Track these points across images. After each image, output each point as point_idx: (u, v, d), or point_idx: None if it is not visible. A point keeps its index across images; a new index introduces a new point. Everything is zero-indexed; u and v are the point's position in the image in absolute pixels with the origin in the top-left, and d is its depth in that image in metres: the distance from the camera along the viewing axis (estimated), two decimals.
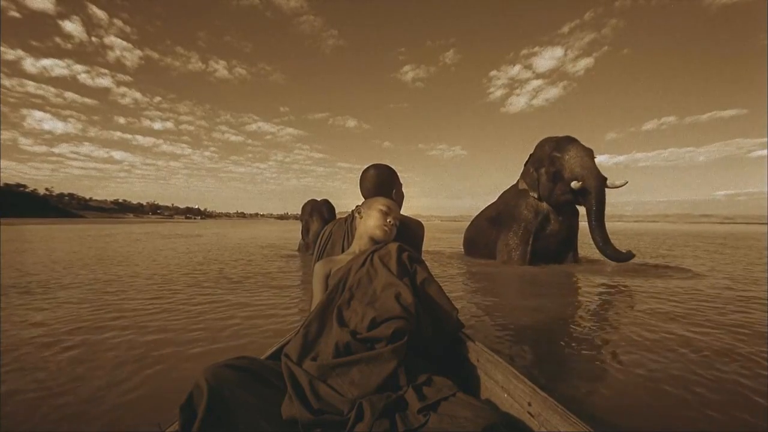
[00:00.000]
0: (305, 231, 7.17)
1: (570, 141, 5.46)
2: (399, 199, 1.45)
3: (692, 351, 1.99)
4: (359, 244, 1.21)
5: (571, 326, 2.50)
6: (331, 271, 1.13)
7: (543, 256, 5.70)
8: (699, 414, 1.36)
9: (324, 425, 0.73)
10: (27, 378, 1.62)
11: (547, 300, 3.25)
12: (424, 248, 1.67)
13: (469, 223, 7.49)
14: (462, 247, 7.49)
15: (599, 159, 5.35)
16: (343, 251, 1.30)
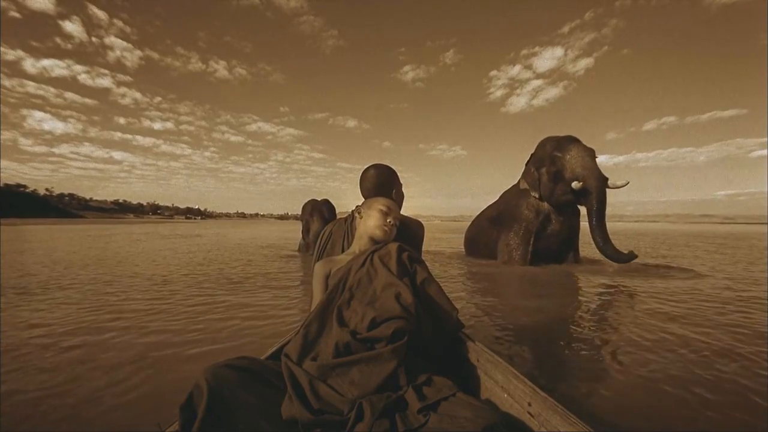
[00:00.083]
0: (305, 231, 7.17)
1: (571, 141, 5.44)
2: (399, 199, 1.45)
3: (692, 351, 1.99)
4: (359, 244, 1.21)
5: (572, 326, 2.50)
6: (331, 271, 1.13)
7: (544, 256, 5.69)
8: (699, 414, 1.36)
9: (324, 425, 0.73)
10: (26, 378, 1.62)
11: (548, 300, 3.25)
12: (424, 248, 1.67)
13: (469, 223, 7.48)
14: (463, 246, 7.48)
15: (599, 159, 5.34)
16: (343, 251, 1.30)
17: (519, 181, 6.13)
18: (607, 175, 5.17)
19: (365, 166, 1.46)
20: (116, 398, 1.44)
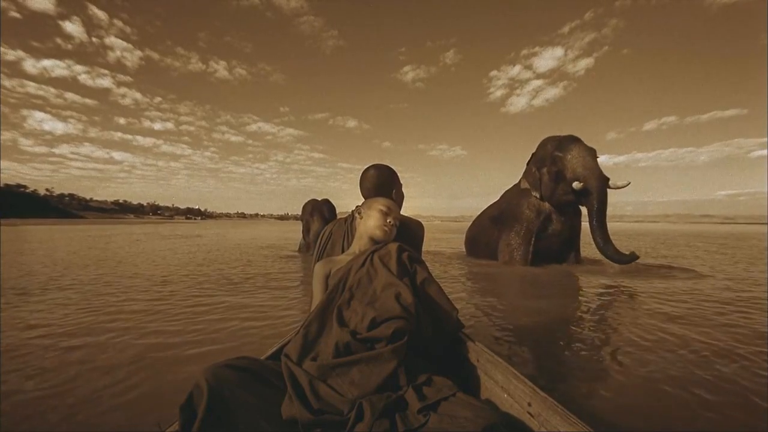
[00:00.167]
0: (306, 231, 7.17)
1: (572, 140, 5.42)
2: (399, 199, 1.46)
3: (692, 351, 1.99)
4: (359, 244, 1.21)
5: (572, 327, 2.50)
6: (331, 272, 1.13)
7: (545, 256, 5.67)
8: (699, 414, 1.36)
9: (324, 425, 0.73)
10: (26, 379, 1.62)
11: (548, 301, 3.25)
12: (424, 248, 1.67)
13: (469, 223, 7.47)
14: (463, 247, 7.47)
15: (600, 159, 5.32)
16: (343, 251, 1.30)
17: (520, 180, 6.11)
18: (608, 176, 5.16)
19: (365, 167, 1.46)
20: (116, 398, 1.44)
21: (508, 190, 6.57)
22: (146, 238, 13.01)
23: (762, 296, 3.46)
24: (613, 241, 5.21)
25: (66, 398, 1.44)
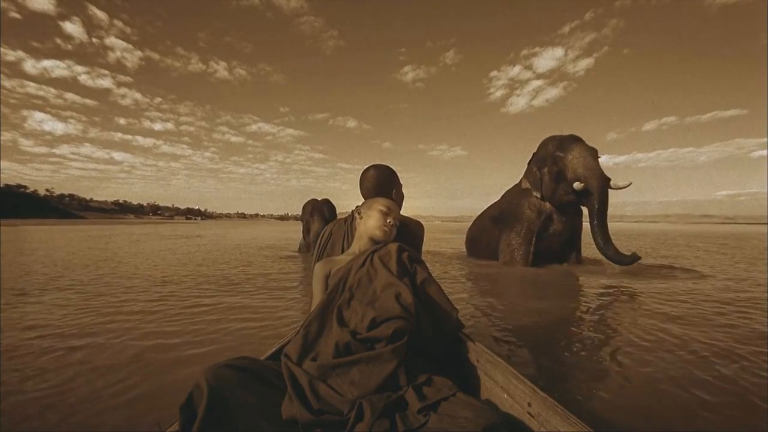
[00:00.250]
0: (306, 231, 7.17)
1: (574, 140, 5.39)
2: (399, 199, 1.46)
3: (692, 352, 1.99)
4: (359, 244, 1.21)
5: (572, 327, 2.50)
6: (331, 272, 1.13)
7: (546, 257, 5.66)
8: (698, 415, 1.36)
9: (324, 425, 0.73)
10: (25, 379, 1.62)
11: (549, 301, 3.25)
12: (424, 248, 1.67)
13: (469, 223, 7.45)
14: (463, 247, 7.46)
15: (600, 159, 5.30)
16: (343, 251, 1.30)
17: (521, 180, 6.08)
18: (609, 176, 5.13)
19: (365, 167, 1.46)
20: (115, 398, 1.44)
21: (508, 190, 6.55)
22: (146, 239, 13.02)
23: (762, 296, 3.46)
24: (614, 242, 5.20)
25: (65, 398, 1.44)
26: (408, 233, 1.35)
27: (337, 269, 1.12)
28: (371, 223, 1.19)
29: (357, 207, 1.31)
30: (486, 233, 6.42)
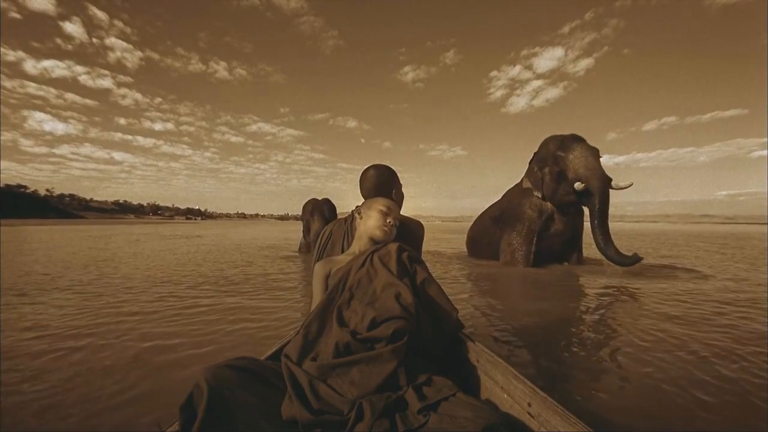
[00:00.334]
0: (306, 230, 7.16)
1: (575, 140, 5.36)
2: (399, 199, 1.46)
3: (692, 352, 1.99)
4: (359, 244, 1.21)
5: (572, 328, 2.50)
6: (331, 272, 1.13)
7: (547, 257, 5.65)
8: (698, 415, 1.36)
9: (324, 425, 0.73)
10: (24, 379, 1.62)
11: (549, 302, 3.25)
12: (424, 248, 1.67)
13: (469, 223, 7.43)
14: (463, 247, 7.45)
15: (601, 159, 5.26)
16: (342, 251, 1.30)
17: (522, 179, 6.04)
18: (610, 176, 5.10)
19: (365, 167, 1.46)
20: (114, 398, 1.44)
21: (509, 190, 6.52)
22: (146, 239, 13.02)
23: (762, 297, 3.46)
24: (615, 242, 5.17)
25: (64, 398, 1.44)
26: (408, 233, 1.35)
27: (337, 269, 1.12)
28: (371, 223, 1.19)
29: (357, 207, 1.31)
30: (487, 233, 6.41)
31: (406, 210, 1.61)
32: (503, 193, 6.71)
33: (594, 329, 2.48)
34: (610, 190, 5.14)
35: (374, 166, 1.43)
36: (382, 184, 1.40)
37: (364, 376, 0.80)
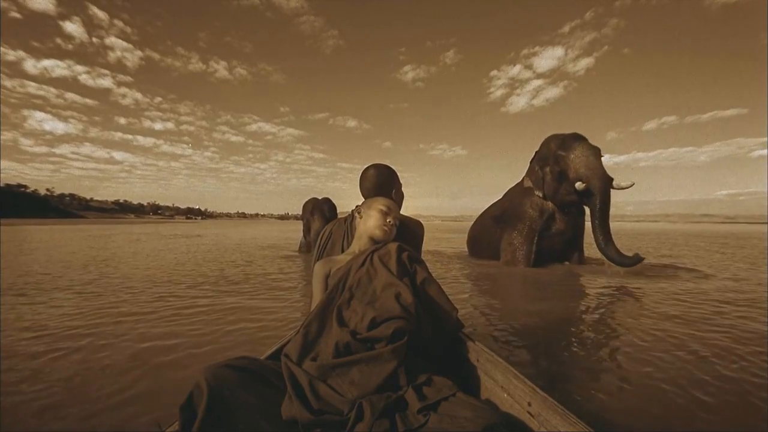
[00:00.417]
0: (306, 230, 7.15)
1: (576, 139, 5.32)
2: (399, 199, 1.46)
3: (693, 352, 1.99)
4: (359, 244, 1.21)
5: (573, 328, 2.50)
6: (331, 271, 1.13)
7: (548, 256, 5.63)
8: (698, 415, 1.36)
9: (324, 425, 0.73)
10: (23, 379, 1.62)
11: (549, 302, 3.25)
12: (424, 248, 1.67)
13: (469, 222, 7.42)
14: (464, 246, 7.43)
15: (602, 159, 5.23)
16: (342, 251, 1.30)
17: (523, 178, 6.01)
18: (612, 176, 5.07)
19: (365, 166, 1.46)
20: (113, 398, 1.44)
21: (511, 189, 6.49)
22: (146, 238, 13.02)
23: (762, 296, 3.46)
24: (615, 242, 5.15)
25: (63, 398, 1.44)
26: (408, 233, 1.35)
27: (337, 269, 1.11)
28: (371, 223, 1.19)
29: (357, 206, 1.31)
30: (488, 232, 6.39)
31: (406, 210, 1.61)
32: (504, 193, 6.70)
33: (594, 329, 2.48)
34: (611, 190, 5.12)
35: (374, 166, 1.43)
36: (382, 183, 1.40)
37: (364, 376, 0.80)
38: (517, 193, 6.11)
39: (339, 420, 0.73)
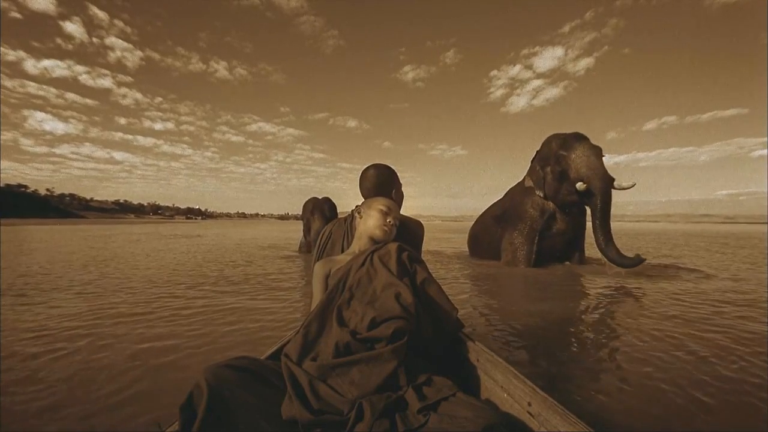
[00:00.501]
0: (306, 230, 7.14)
1: (577, 139, 5.29)
2: (399, 199, 1.45)
3: (693, 353, 1.99)
4: (359, 244, 1.21)
5: (573, 328, 2.50)
6: (331, 271, 1.13)
7: (549, 256, 5.62)
8: (698, 415, 1.36)
9: (324, 425, 0.73)
10: (22, 379, 1.62)
11: (550, 302, 3.25)
12: (424, 248, 1.67)
13: (469, 222, 7.41)
14: (464, 247, 7.42)
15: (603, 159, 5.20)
16: (342, 251, 1.30)
17: (525, 178, 5.99)
18: (613, 176, 5.03)
19: (365, 166, 1.46)
20: (113, 398, 1.44)
21: (512, 188, 6.47)
22: (146, 238, 13.02)
23: (762, 297, 3.46)
24: (616, 242, 5.12)
25: (63, 398, 1.44)
26: (408, 233, 1.35)
27: (337, 269, 1.11)
28: (371, 223, 1.19)
29: (357, 206, 1.31)
30: (488, 232, 6.38)
31: (406, 210, 1.61)
32: (505, 192, 6.69)
33: (594, 329, 2.47)
34: (613, 190, 5.11)
35: (374, 166, 1.43)
36: (382, 183, 1.40)
37: (364, 376, 0.80)
38: (518, 192, 6.09)
39: (339, 420, 0.73)
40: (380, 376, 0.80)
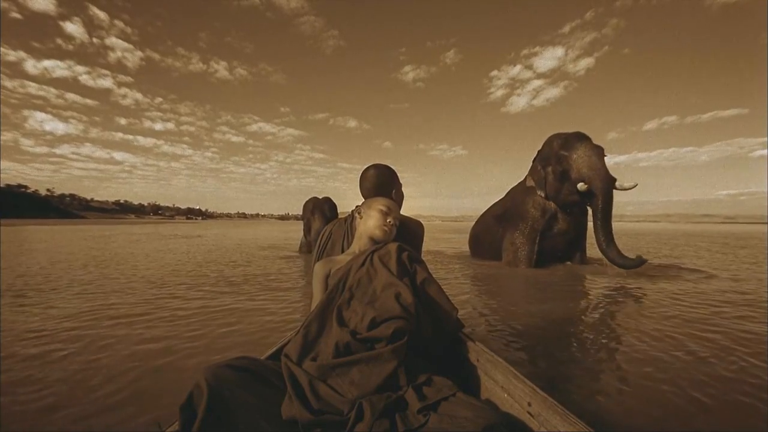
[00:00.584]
0: (307, 229, 7.13)
1: (579, 138, 5.26)
2: (399, 199, 1.46)
3: (692, 353, 1.99)
4: (359, 244, 1.21)
5: (573, 329, 2.50)
6: (331, 271, 1.13)
7: (550, 256, 5.61)
8: (697, 415, 1.36)
9: (324, 425, 0.73)
10: (22, 380, 1.62)
11: (550, 302, 3.24)
12: (424, 248, 1.67)
13: (470, 223, 7.41)
14: (464, 247, 7.42)
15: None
16: (342, 251, 1.30)
17: (526, 177, 5.97)
18: (615, 176, 5.00)
19: (365, 166, 1.46)
20: (112, 398, 1.44)
21: (513, 188, 6.45)
22: (146, 239, 13.03)
23: (762, 297, 3.46)
24: (617, 242, 5.11)
25: (62, 398, 1.44)
26: (408, 233, 1.35)
27: (337, 269, 1.12)
28: (371, 223, 1.19)
29: (357, 207, 1.31)
30: (489, 232, 6.37)
31: (406, 210, 1.61)
32: (506, 192, 6.68)
33: (594, 330, 2.47)
34: (614, 191, 5.08)
35: (374, 166, 1.43)
36: (382, 183, 1.40)
37: (364, 376, 0.80)
38: (519, 192, 6.07)
39: (339, 420, 0.73)
40: (380, 376, 0.80)
